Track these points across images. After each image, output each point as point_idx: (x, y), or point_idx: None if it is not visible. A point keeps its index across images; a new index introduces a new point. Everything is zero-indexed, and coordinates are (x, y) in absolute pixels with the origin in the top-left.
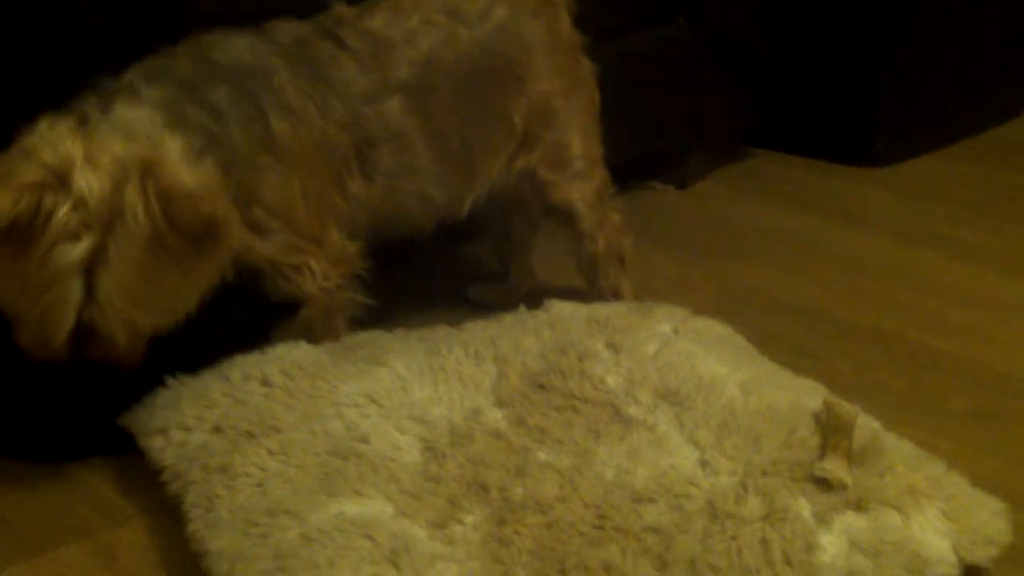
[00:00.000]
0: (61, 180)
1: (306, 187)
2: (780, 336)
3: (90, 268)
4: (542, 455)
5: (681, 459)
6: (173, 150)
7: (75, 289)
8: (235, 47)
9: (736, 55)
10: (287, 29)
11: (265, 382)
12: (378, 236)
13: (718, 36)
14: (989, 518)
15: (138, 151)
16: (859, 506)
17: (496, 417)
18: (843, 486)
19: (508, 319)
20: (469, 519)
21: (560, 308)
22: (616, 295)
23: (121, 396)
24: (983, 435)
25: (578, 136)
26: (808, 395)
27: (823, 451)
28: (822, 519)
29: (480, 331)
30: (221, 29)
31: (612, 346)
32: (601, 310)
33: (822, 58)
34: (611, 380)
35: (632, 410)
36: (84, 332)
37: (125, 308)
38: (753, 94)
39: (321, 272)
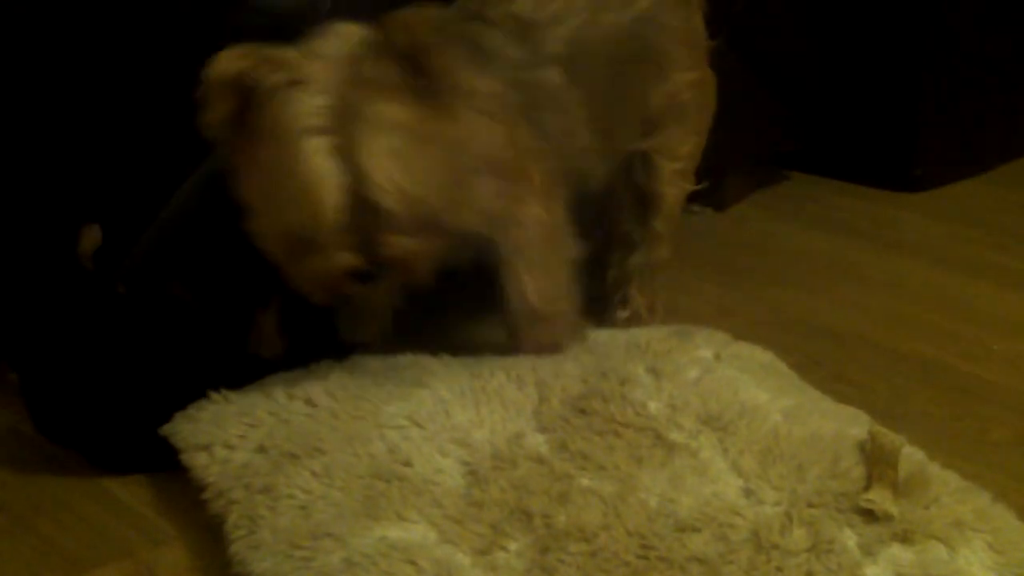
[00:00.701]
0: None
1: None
2: (819, 362)
3: (342, 140)
4: (585, 481)
5: (725, 487)
6: None
7: (328, 161)
8: None
9: (776, 76)
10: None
11: (309, 402)
12: None
13: (758, 56)
14: None
15: None
16: (905, 538)
17: (538, 442)
18: (889, 518)
19: None
20: (513, 546)
21: (598, 333)
22: (651, 309)
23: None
24: None
25: (693, 137)
26: (851, 424)
27: (868, 482)
28: (868, 551)
29: (521, 356)
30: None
31: (653, 371)
32: (641, 335)
33: (862, 81)
34: (652, 405)
35: (674, 435)
36: (364, 239)
37: (395, 172)
38: (792, 115)
39: (531, 211)
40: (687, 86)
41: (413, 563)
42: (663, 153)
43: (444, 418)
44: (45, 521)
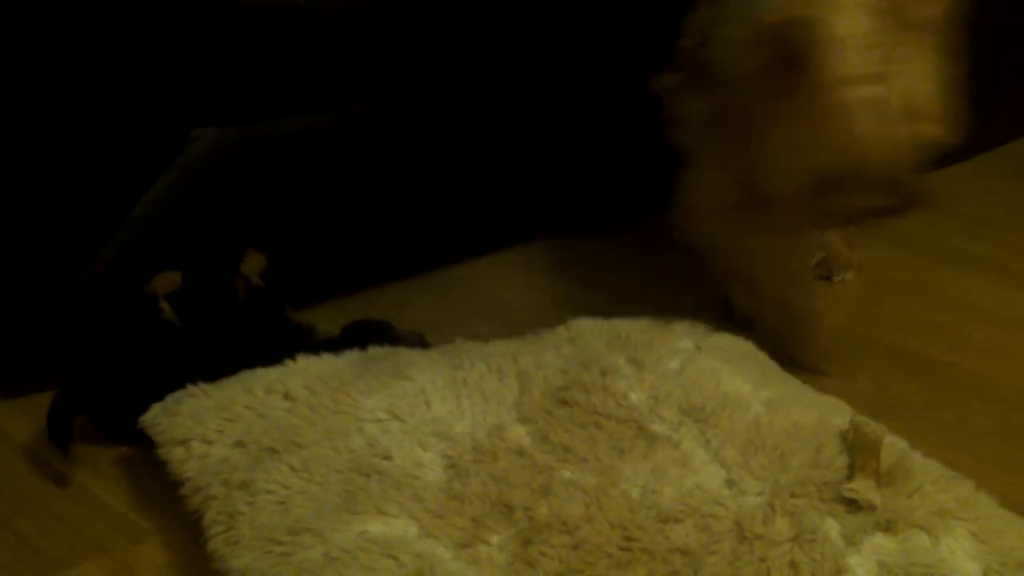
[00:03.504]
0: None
1: None
2: None
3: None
4: (567, 473)
5: (707, 478)
6: None
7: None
8: None
9: None
10: None
11: (287, 396)
12: None
13: None
14: (1019, 540)
15: None
16: (888, 528)
17: (519, 434)
18: (872, 507)
19: (529, 335)
20: (494, 539)
21: (580, 324)
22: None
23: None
24: (1009, 455)
25: None
26: (833, 413)
27: (851, 471)
28: (851, 541)
29: (502, 346)
30: None
31: (634, 362)
32: (622, 325)
33: None
34: (634, 396)
35: (656, 427)
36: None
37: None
38: None
39: None
40: None
41: (394, 557)
42: None
43: (424, 411)
44: (23, 520)
